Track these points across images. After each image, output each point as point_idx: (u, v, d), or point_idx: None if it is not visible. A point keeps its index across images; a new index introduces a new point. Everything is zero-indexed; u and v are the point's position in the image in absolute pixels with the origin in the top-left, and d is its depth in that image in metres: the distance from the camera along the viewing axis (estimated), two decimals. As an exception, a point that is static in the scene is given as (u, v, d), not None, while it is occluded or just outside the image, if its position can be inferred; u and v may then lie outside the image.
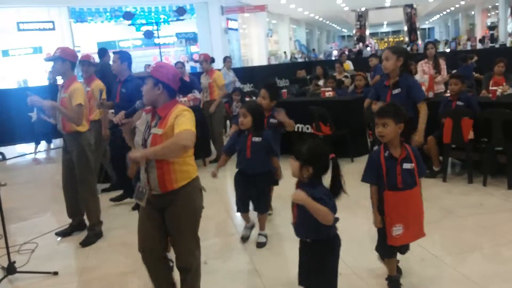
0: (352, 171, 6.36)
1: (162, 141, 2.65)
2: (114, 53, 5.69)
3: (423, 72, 7.11)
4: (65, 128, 4.35)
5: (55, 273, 3.83)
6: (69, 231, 4.73)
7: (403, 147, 2.96)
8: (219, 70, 8.61)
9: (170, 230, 2.84)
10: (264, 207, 4.19)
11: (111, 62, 5.83)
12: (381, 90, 4.43)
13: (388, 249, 3.07)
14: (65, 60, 4.23)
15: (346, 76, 9.41)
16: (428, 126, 5.59)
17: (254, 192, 4.08)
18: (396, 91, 4.19)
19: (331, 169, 2.54)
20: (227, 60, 10.24)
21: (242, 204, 4.16)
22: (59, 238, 4.68)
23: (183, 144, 2.58)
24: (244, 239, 4.25)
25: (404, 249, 3.16)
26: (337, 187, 2.53)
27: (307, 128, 7.00)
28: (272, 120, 4.47)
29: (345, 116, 6.85)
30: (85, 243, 4.43)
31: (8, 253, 3.73)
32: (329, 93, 7.38)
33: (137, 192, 2.83)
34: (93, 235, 4.51)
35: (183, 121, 2.64)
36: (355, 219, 4.60)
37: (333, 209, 2.50)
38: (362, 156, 6.82)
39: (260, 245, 4.11)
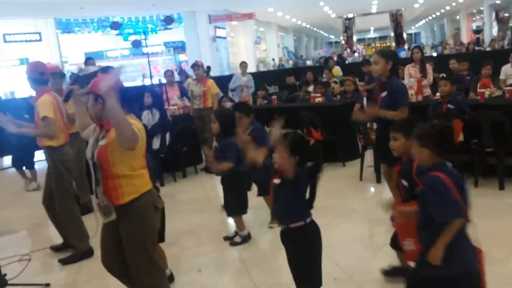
0: (344, 175, 6.41)
1: (107, 152, 2.64)
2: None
3: (409, 75, 7.16)
4: (39, 142, 4.26)
5: (47, 285, 3.77)
6: (62, 247, 4.55)
7: (405, 163, 2.92)
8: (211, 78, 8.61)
9: (125, 249, 2.79)
10: (229, 209, 4.32)
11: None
12: (374, 94, 4.37)
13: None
14: (28, 77, 4.20)
15: (335, 82, 9.45)
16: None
17: (224, 194, 4.30)
18: (383, 94, 4.17)
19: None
20: (242, 65, 10.19)
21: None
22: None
23: (132, 131, 2.51)
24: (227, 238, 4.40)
25: None
26: (315, 172, 2.67)
27: (298, 134, 7.00)
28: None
29: (335, 121, 6.86)
30: (65, 261, 4.25)
31: (-2, 266, 3.67)
32: (318, 99, 7.40)
33: (100, 207, 2.74)
34: (75, 255, 4.30)
35: (135, 124, 2.63)
36: (349, 224, 4.60)
37: (304, 186, 2.63)
38: (353, 161, 6.82)
39: (232, 243, 4.27)
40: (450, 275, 2.29)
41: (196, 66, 7.41)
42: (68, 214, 4.28)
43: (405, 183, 2.89)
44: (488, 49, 19.24)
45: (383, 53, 4.26)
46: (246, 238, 4.28)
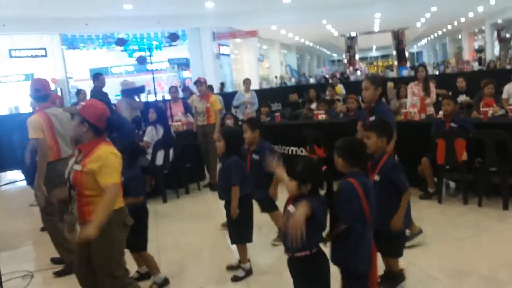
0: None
1: (82, 178, 2.81)
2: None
3: (412, 94, 7.18)
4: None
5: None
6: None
7: (377, 159, 3.32)
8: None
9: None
10: (233, 236, 3.98)
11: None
12: (362, 113, 4.67)
13: None
14: (30, 95, 4.32)
15: (338, 99, 9.50)
16: (422, 147, 5.67)
17: (227, 220, 4.01)
18: (372, 118, 4.29)
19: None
20: (246, 82, 10.28)
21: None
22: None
23: (115, 197, 2.82)
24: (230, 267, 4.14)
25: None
26: (330, 201, 2.64)
27: (301, 151, 7.01)
28: (254, 156, 4.37)
29: (338, 139, 6.82)
30: (58, 274, 4.30)
31: (0, 281, 3.65)
32: (322, 116, 7.42)
33: (66, 224, 2.99)
34: (67, 266, 4.28)
35: (107, 175, 2.78)
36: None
37: (323, 220, 2.57)
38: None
39: (234, 278, 3.94)
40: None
41: (199, 82, 7.41)
42: (51, 228, 4.35)
43: (377, 177, 3.26)
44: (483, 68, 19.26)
45: (373, 80, 4.47)
46: (249, 272, 3.99)
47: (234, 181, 3.81)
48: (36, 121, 4.12)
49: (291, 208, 2.59)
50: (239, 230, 3.93)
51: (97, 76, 8.32)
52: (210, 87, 9.76)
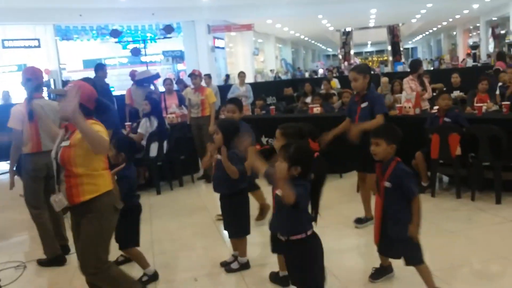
0: (342, 187, 6.40)
1: (70, 153, 2.80)
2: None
3: (410, 89, 7.17)
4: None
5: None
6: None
7: (388, 165, 3.14)
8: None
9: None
10: (231, 230, 3.93)
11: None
12: (352, 105, 4.66)
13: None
14: (22, 83, 4.21)
15: (333, 94, 9.51)
16: (416, 142, 5.68)
17: (224, 214, 3.96)
18: (363, 105, 4.41)
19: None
20: (240, 75, 10.28)
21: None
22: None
23: (104, 141, 2.69)
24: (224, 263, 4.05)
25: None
26: (318, 186, 2.66)
27: (296, 145, 7.01)
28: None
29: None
30: (39, 263, 4.33)
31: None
32: (317, 110, 7.42)
33: (54, 203, 2.90)
34: (46, 259, 4.31)
35: (100, 130, 2.76)
36: (345, 235, 4.59)
37: (306, 206, 2.62)
38: (350, 172, 6.83)
39: (228, 269, 3.91)
40: None
41: (193, 75, 7.39)
42: (35, 220, 4.31)
43: (387, 184, 3.12)
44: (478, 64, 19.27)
45: (360, 69, 4.54)
46: (244, 266, 3.91)
47: (238, 168, 3.68)
48: (18, 111, 4.08)
49: (279, 191, 2.59)
50: (237, 224, 3.85)
51: (101, 67, 8.44)
52: (208, 76, 9.85)
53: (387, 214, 3.15)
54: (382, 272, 3.53)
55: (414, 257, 3.16)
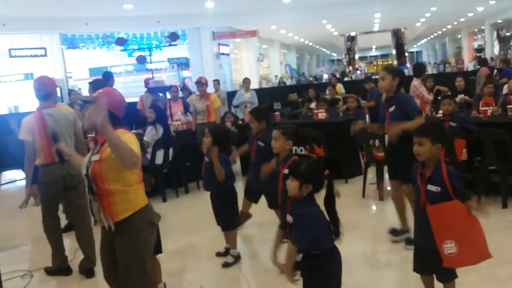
0: (346, 192, 6.39)
1: (101, 168, 2.60)
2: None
3: (422, 93, 7.15)
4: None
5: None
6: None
7: (435, 168, 2.82)
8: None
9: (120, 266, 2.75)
10: (223, 224, 4.29)
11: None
12: (382, 110, 4.38)
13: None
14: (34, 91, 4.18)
15: (338, 99, 9.50)
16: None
17: (215, 210, 4.31)
18: (392, 109, 4.17)
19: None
20: (245, 81, 10.33)
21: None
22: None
23: (133, 154, 2.45)
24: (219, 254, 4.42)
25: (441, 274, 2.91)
26: (331, 203, 2.61)
27: (301, 150, 7.01)
28: (259, 143, 4.47)
29: (338, 138, 6.88)
30: (46, 271, 4.34)
31: (0, 281, 3.65)
32: (322, 115, 7.43)
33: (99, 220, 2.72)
34: (52, 267, 4.32)
35: (130, 141, 2.53)
36: (351, 241, 4.57)
37: (321, 231, 2.54)
38: (355, 177, 6.83)
39: (225, 264, 4.17)
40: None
41: (200, 83, 7.52)
42: (46, 231, 4.30)
43: (432, 188, 2.79)
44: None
45: (391, 69, 4.31)
46: (238, 258, 4.23)
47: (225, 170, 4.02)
48: (27, 122, 4.06)
49: (289, 218, 2.61)
50: (227, 217, 4.22)
51: (110, 75, 8.63)
52: (218, 82, 10.07)
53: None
54: None
55: (450, 272, 2.88)
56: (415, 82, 7.30)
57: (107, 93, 2.72)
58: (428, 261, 2.86)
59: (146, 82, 9.12)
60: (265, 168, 4.10)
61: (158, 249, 3.55)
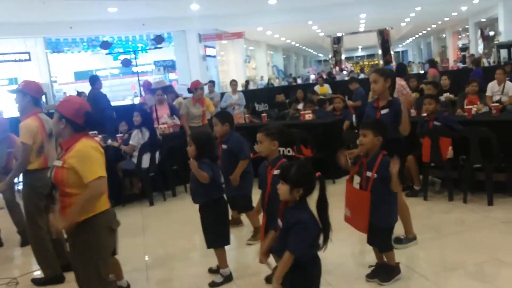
0: (334, 192, 6.33)
1: (63, 174, 2.70)
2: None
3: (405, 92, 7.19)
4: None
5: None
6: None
7: (372, 156, 3.43)
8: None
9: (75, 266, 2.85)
10: (209, 240, 3.91)
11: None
12: (371, 110, 4.35)
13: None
14: (26, 94, 4.04)
15: (323, 100, 9.54)
16: (408, 146, 5.69)
17: (202, 224, 3.94)
18: (384, 111, 4.14)
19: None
20: (232, 83, 10.35)
21: None
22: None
23: (99, 194, 2.70)
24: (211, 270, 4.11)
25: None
26: (324, 207, 2.54)
27: (288, 151, 7.01)
28: (223, 146, 4.56)
29: (325, 138, 6.89)
30: (35, 282, 4.20)
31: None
32: (309, 116, 7.44)
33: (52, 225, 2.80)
34: (44, 278, 4.20)
35: (90, 167, 2.67)
36: (339, 240, 4.56)
37: (315, 236, 2.52)
38: (343, 177, 6.83)
39: (212, 284, 3.86)
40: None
41: (196, 89, 7.44)
42: (35, 239, 4.18)
43: (369, 173, 3.41)
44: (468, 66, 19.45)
45: (382, 71, 4.30)
46: (228, 278, 3.89)
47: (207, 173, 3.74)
48: (32, 126, 3.99)
49: (279, 223, 2.59)
50: (215, 233, 3.86)
51: (96, 78, 9.06)
52: (213, 83, 10.15)
53: (371, 205, 3.38)
54: (379, 271, 3.64)
55: (384, 243, 3.54)
56: (402, 82, 7.35)
57: (64, 101, 2.85)
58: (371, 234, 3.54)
59: (147, 84, 9.59)
60: (233, 176, 4.40)
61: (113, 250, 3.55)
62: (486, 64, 19.68)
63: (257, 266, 4.07)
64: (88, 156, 2.69)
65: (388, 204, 3.45)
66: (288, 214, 2.53)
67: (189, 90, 7.65)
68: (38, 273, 4.39)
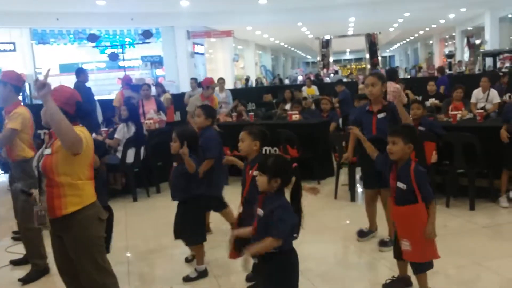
0: (319, 193, 6.42)
1: (52, 161, 2.65)
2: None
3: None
4: (12, 157, 4.12)
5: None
6: (24, 260, 4.38)
7: (404, 165, 3.13)
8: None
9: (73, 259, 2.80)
10: (186, 237, 3.94)
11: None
12: (364, 115, 4.29)
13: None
14: (6, 83, 3.97)
15: (305, 98, 9.62)
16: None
17: (178, 219, 3.92)
18: (381, 115, 4.13)
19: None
20: (219, 81, 10.26)
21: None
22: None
23: (74, 134, 2.52)
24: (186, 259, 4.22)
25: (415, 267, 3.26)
26: (298, 195, 2.65)
27: (275, 151, 7.02)
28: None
29: (311, 139, 6.91)
30: (25, 280, 4.08)
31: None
32: (295, 116, 7.45)
33: (36, 216, 2.74)
34: (35, 272, 4.14)
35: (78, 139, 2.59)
36: (322, 242, 4.59)
37: (292, 223, 2.56)
38: (328, 178, 6.87)
39: (185, 278, 3.88)
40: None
41: (208, 87, 7.37)
42: (27, 228, 4.09)
43: (401, 185, 3.11)
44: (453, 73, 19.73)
45: (380, 75, 4.28)
46: (202, 274, 3.92)
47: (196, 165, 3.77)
48: (26, 115, 3.98)
49: (260, 211, 2.62)
50: (193, 230, 3.85)
51: (82, 71, 8.75)
52: (224, 80, 10.18)
53: (400, 216, 3.18)
54: (398, 284, 3.48)
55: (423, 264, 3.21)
56: (397, 85, 7.46)
57: (55, 90, 2.78)
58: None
59: (128, 79, 9.35)
60: (201, 169, 4.08)
61: (106, 249, 3.52)
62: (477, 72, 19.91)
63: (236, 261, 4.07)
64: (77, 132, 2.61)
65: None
66: (268, 201, 2.59)
67: (199, 85, 7.59)
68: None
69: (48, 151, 2.72)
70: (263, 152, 7.08)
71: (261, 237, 2.55)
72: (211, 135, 4.48)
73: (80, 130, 2.68)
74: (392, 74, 7.93)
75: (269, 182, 2.57)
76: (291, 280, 2.61)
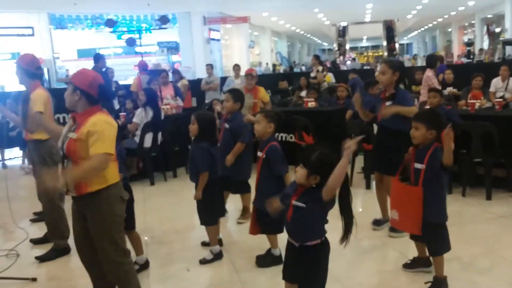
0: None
1: (76, 146, 2.73)
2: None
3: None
4: (26, 136, 4.21)
5: (34, 279, 3.75)
6: (42, 240, 4.51)
7: (423, 147, 3.19)
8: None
9: (92, 238, 2.89)
10: (202, 218, 4.04)
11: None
12: (377, 102, 4.34)
13: None
14: (20, 66, 4.05)
15: (317, 71, 9.70)
16: (409, 139, 5.72)
17: (197, 202, 4.04)
18: (388, 103, 4.14)
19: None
20: (235, 68, 10.23)
21: None
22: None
23: (99, 168, 2.70)
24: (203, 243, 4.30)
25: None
26: (346, 199, 2.51)
27: (291, 137, 7.04)
28: (226, 125, 4.64)
29: (327, 126, 6.91)
30: (42, 259, 4.19)
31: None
32: (311, 103, 7.44)
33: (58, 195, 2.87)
34: (53, 251, 4.24)
35: (99, 144, 2.68)
36: (336, 229, 4.61)
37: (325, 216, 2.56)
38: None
39: (202, 260, 3.98)
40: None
41: (250, 76, 6.80)
42: (51, 208, 4.24)
43: (419, 166, 3.18)
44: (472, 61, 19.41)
45: (392, 64, 4.24)
46: (218, 256, 4.01)
47: (201, 169, 3.86)
48: (43, 95, 4.01)
49: (299, 203, 2.48)
50: (207, 212, 3.99)
51: (100, 57, 9.04)
52: (210, 66, 10.39)
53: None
54: (417, 264, 3.59)
55: (440, 246, 3.27)
56: (429, 73, 7.46)
57: (78, 73, 2.86)
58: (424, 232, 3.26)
59: (144, 64, 9.43)
60: (229, 156, 4.44)
61: (131, 225, 3.75)
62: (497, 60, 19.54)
63: (250, 243, 4.13)
64: (101, 131, 2.70)
65: (440, 198, 3.24)
66: (307, 193, 2.48)
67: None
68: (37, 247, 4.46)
69: (73, 135, 2.77)
70: (279, 139, 7.12)
71: (296, 227, 2.54)
72: (241, 120, 4.63)
73: (106, 121, 2.77)
74: (430, 61, 8.00)
75: (308, 177, 2.43)
76: (326, 267, 2.63)
